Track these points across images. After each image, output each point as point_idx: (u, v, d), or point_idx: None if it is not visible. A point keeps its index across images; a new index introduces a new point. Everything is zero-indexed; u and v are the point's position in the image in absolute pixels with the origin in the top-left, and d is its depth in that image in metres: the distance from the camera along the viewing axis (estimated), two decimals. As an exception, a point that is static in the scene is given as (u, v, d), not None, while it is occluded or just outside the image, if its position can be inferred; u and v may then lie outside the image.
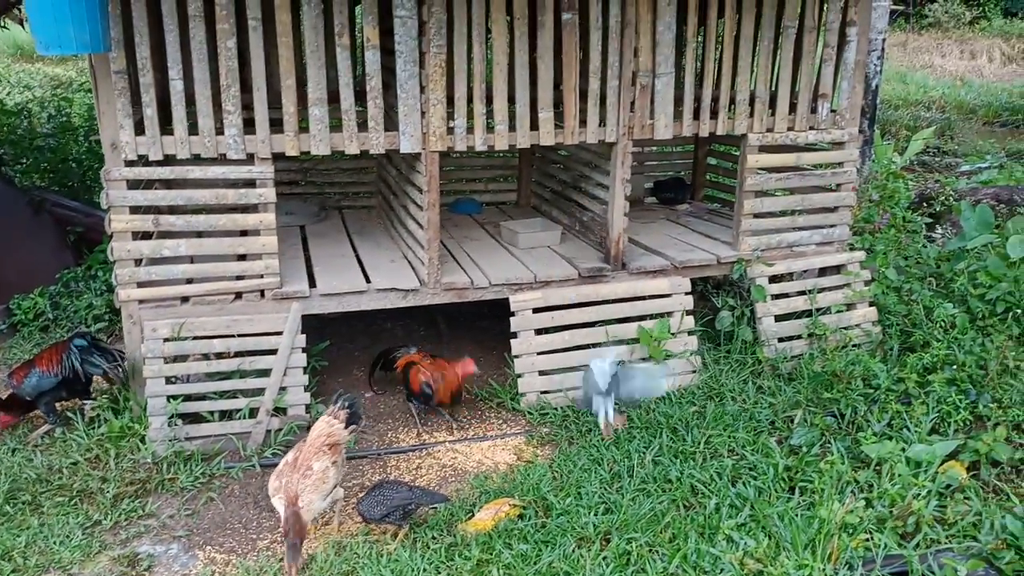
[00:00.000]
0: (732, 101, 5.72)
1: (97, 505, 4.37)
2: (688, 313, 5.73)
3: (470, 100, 5.15)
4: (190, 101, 4.77)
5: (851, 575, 3.63)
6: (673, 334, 5.60)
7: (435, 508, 4.32)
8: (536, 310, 5.52)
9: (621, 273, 5.72)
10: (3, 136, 8.64)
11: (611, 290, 5.64)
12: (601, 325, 5.58)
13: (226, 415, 4.95)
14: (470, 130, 5.19)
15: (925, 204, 8.38)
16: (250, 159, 4.88)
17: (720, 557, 3.81)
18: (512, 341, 5.46)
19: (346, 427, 4.17)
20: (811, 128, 5.96)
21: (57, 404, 5.08)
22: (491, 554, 3.92)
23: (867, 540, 3.87)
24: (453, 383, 5.17)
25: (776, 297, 5.95)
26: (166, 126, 4.77)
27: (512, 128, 5.28)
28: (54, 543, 4.09)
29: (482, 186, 7.61)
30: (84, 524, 4.24)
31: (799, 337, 5.90)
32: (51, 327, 6.44)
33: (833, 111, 6.02)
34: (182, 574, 3.97)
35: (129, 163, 4.73)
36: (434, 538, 4.09)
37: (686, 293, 5.75)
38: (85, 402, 5.14)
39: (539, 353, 5.46)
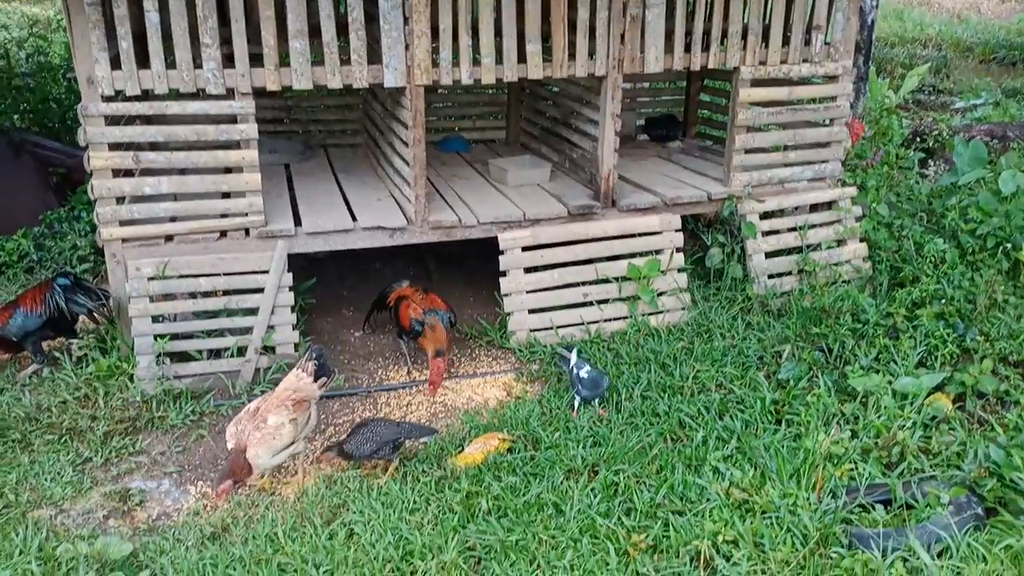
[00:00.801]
0: (724, 33, 5.60)
1: (87, 443, 4.39)
2: (678, 251, 5.70)
3: (456, 32, 5.02)
4: (167, 35, 4.63)
5: (835, 503, 3.67)
6: (663, 271, 5.58)
7: (424, 442, 4.35)
8: (525, 248, 5.48)
9: (611, 211, 5.67)
10: (-20, 76, 8.42)
11: (601, 228, 5.60)
12: (592, 263, 5.55)
13: (214, 354, 4.94)
14: (456, 63, 5.07)
15: (919, 141, 8.30)
16: (230, 94, 4.77)
17: (706, 487, 3.86)
18: (501, 280, 5.43)
19: (315, 380, 4.15)
20: (805, 61, 5.85)
21: (44, 344, 5.05)
22: (480, 486, 3.96)
23: (851, 470, 3.92)
24: (441, 338, 4.99)
25: (767, 234, 5.93)
26: (143, 61, 4.64)
27: (499, 61, 5.16)
28: (45, 480, 4.11)
29: (470, 123, 7.50)
30: (75, 461, 4.26)
31: (789, 274, 5.89)
32: (36, 268, 6.38)
33: (827, 43, 5.91)
34: (175, 508, 4.00)
35: (107, 99, 4.61)
36: (424, 471, 4.12)
37: (676, 231, 5.72)
38: (71, 341, 5.12)
39: (529, 292, 5.44)
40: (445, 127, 7.40)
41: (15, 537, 3.68)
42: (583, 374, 4.58)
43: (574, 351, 4.82)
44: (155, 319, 4.85)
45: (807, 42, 5.84)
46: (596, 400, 4.61)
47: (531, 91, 7.03)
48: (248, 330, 4.94)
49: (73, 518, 3.90)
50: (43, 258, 6.41)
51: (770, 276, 5.84)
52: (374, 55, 5.01)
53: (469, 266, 6.69)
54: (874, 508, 3.65)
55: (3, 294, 6.06)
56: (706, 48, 5.59)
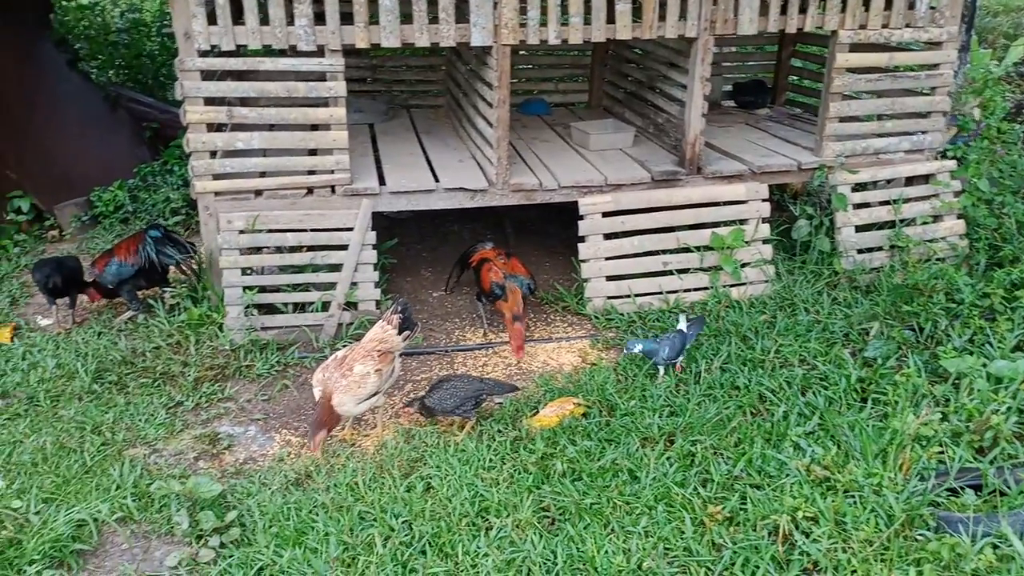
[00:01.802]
0: (824, -6, 5.37)
1: (179, 387, 4.58)
2: (764, 221, 5.55)
3: (545, -9, 4.96)
4: (262, -9, 4.70)
5: (922, 486, 3.56)
6: (747, 242, 5.44)
7: (500, 403, 4.39)
8: (606, 214, 5.42)
9: (696, 177, 5.55)
10: (79, 31, 8.73)
11: (685, 195, 5.49)
12: (673, 231, 5.45)
13: (299, 307, 5.07)
14: (543, 23, 5.01)
15: (1022, 114, 7.86)
16: (320, 51, 4.82)
17: (786, 463, 3.79)
18: (580, 245, 5.39)
19: (399, 333, 4.20)
20: (907, 25, 5.57)
21: (139, 292, 5.26)
22: (555, 448, 3.98)
23: (940, 453, 3.79)
24: (517, 305, 4.96)
25: (858, 207, 5.72)
26: (238, 16, 4.72)
27: (588, 21, 5.07)
28: (139, 420, 4.31)
29: (551, 86, 7.42)
30: (167, 404, 4.45)
31: (880, 249, 5.68)
32: (130, 219, 6.63)
33: (932, 7, 5.60)
34: (260, 453, 4.15)
35: (202, 54, 4.72)
36: (500, 431, 4.16)
37: (763, 200, 5.56)
38: (165, 290, 5.32)
39: (607, 258, 5.39)
40: (526, 89, 7.34)
41: (112, 473, 3.87)
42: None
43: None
44: (244, 271, 4.99)
45: (911, 5, 5.55)
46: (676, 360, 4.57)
47: (615, 53, 6.90)
48: (332, 286, 5.04)
49: (165, 458, 4.09)
50: (137, 209, 6.66)
51: (859, 251, 5.65)
52: (461, 14, 4.99)
53: (545, 231, 6.68)
54: (964, 492, 3.53)
55: (100, 243, 6.34)
56: (803, 10, 5.37)
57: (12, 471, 3.87)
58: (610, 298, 5.36)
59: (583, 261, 5.39)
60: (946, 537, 3.27)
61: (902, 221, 5.72)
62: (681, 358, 4.59)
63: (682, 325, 4.66)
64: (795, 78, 7.32)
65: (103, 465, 3.96)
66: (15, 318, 5.36)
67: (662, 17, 5.15)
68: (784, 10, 5.35)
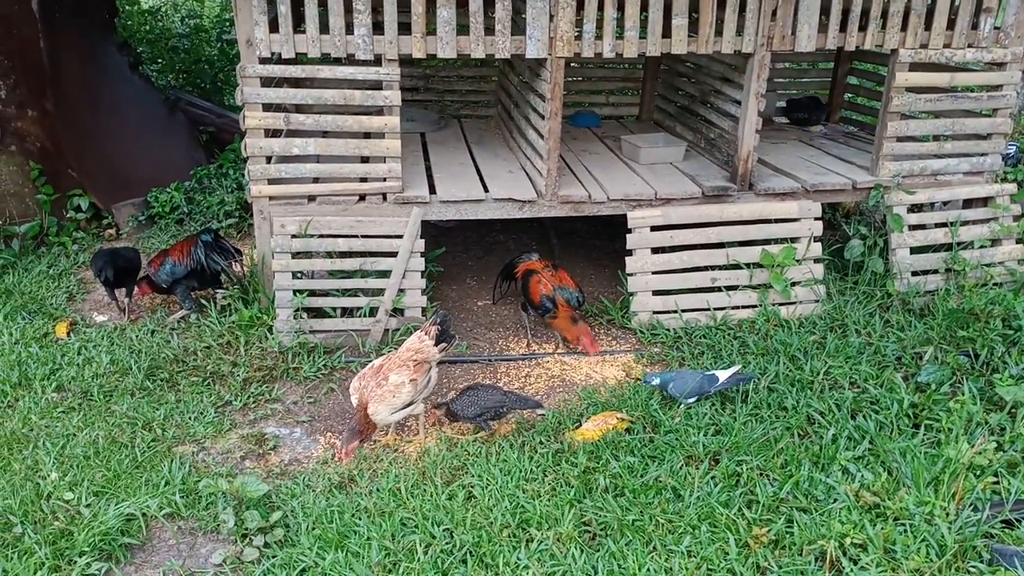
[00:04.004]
0: (884, 12, 5.28)
1: (228, 387, 4.65)
2: (816, 240, 5.47)
3: (600, 5, 4.95)
4: (321, 0, 4.78)
5: (976, 516, 3.46)
6: (798, 261, 5.37)
7: (541, 414, 4.38)
8: (654, 228, 5.39)
9: (747, 194, 5.50)
10: (141, 35, 8.98)
11: (735, 211, 5.44)
12: (722, 247, 5.40)
13: (347, 312, 5.12)
14: (599, 36, 5.01)
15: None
16: (377, 61, 4.89)
17: (835, 487, 3.71)
18: (627, 259, 5.37)
19: (436, 344, 4.21)
20: (970, 45, 5.45)
21: (192, 292, 5.37)
22: (598, 463, 3.95)
23: (995, 483, 3.69)
24: (569, 316, 5.08)
25: (913, 228, 5.60)
26: (299, 25, 4.81)
27: (643, 35, 5.06)
28: (189, 418, 4.39)
29: (602, 99, 7.41)
30: (216, 403, 4.52)
31: (935, 272, 5.56)
32: (185, 220, 6.78)
33: (996, 28, 5.48)
34: (305, 456, 4.20)
35: (263, 60, 4.81)
36: (542, 443, 4.15)
37: (816, 218, 5.48)
38: (217, 291, 5.43)
39: (654, 272, 5.36)
40: (576, 102, 7.35)
41: (162, 469, 3.95)
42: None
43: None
44: (295, 275, 5.07)
45: (974, 25, 5.44)
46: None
47: (668, 67, 6.88)
48: (380, 292, 5.09)
49: (213, 456, 4.15)
50: (192, 211, 6.80)
51: (914, 273, 5.53)
52: (516, 27, 5.01)
53: (590, 243, 6.66)
54: (1020, 525, 3.42)
55: (156, 242, 6.49)
56: (863, 27, 5.29)
57: (65, 463, 3.97)
58: (656, 313, 5.32)
59: (630, 274, 5.36)
60: (1000, 571, 3.18)
61: (959, 244, 5.59)
62: (693, 399, 4.40)
63: (724, 372, 4.45)
64: (850, 95, 7.21)
65: (153, 461, 4.04)
66: (72, 314, 5.50)
67: (719, 32, 5.12)
68: (843, 27, 5.28)
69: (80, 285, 5.91)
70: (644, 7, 5.01)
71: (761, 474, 3.88)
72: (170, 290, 5.35)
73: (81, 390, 4.59)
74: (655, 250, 5.39)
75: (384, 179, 5.12)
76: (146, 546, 3.58)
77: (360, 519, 3.60)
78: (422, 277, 5.19)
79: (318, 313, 5.11)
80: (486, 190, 5.35)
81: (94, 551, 3.43)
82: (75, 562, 3.36)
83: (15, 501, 3.66)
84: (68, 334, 5.17)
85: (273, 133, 5.12)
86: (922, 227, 5.65)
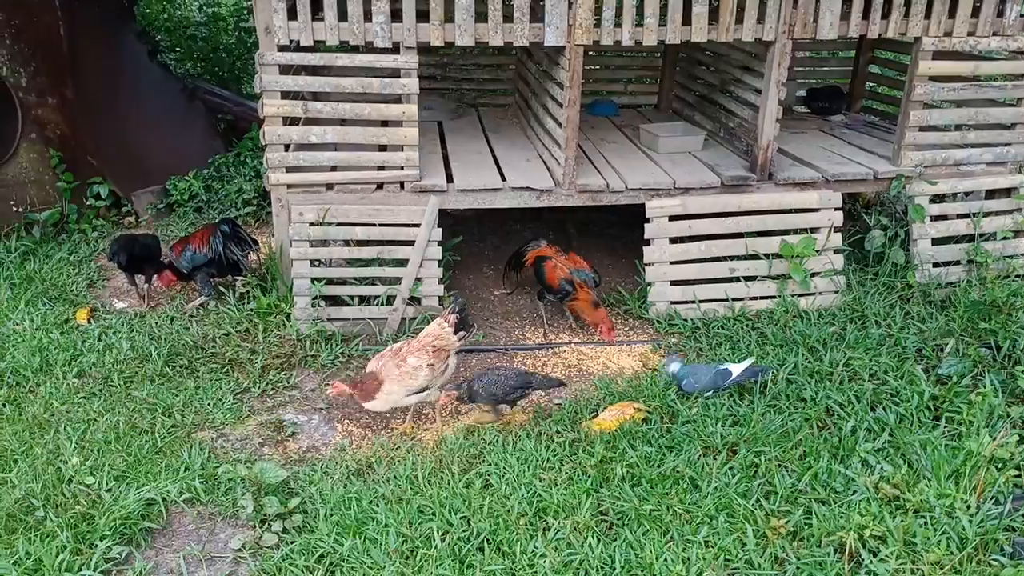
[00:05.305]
0: None
1: (247, 374, 4.68)
2: (836, 230, 5.42)
3: (620, -8, 4.92)
4: (340, -13, 4.77)
5: (997, 509, 3.44)
6: (818, 251, 5.32)
7: (559, 404, 4.37)
8: (673, 218, 5.36)
9: (767, 183, 5.45)
10: (159, 24, 9.00)
11: (755, 201, 5.39)
12: (741, 237, 5.36)
13: (365, 300, 5.13)
14: (618, 24, 4.97)
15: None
16: (395, 48, 4.87)
17: (854, 479, 3.70)
18: (645, 248, 5.34)
19: (455, 332, 4.22)
20: (995, 34, 5.37)
21: (212, 279, 5.40)
22: (615, 453, 3.95)
23: (1017, 476, 3.65)
24: (589, 297, 5.10)
25: (935, 219, 5.54)
26: (317, 12, 4.80)
27: (663, 23, 5.02)
28: (208, 404, 4.42)
29: (621, 87, 7.36)
30: (235, 390, 4.55)
31: (957, 263, 5.50)
32: (204, 208, 6.81)
33: (1022, 15, 5.39)
34: (323, 443, 4.22)
35: (282, 48, 4.81)
36: (559, 432, 4.15)
37: (836, 209, 5.43)
38: (236, 278, 5.45)
39: (672, 263, 5.33)
40: (594, 90, 7.30)
41: (181, 454, 3.98)
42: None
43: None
44: (313, 263, 5.08)
45: (1000, 12, 5.35)
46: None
47: (687, 56, 6.82)
48: (397, 280, 5.10)
49: (232, 442, 4.18)
50: (211, 199, 6.83)
51: (935, 264, 5.47)
52: (535, 13, 4.98)
53: (608, 233, 6.64)
54: (1043, 520, 3.39)
55: (175, 230, 6.52)
56: (886, 15, 5.22)
57: (86, 448, 4.00)
58: (674, 303, 5.30)
59: (647, 264, 5.34)
60: (1022, 564, 3.15)
61: (981, 235, 5.52)
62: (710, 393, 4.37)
63: (738, 365, 4.41)
64: (872, 84, 7.13)
65: (172, 446, 4.07)
66: (92, 300, 5.55)
67: (739, 19, 5.06)
68: (866, 15, 5.21)
69: (100, 272, 5.95)
70: (664, -6, 4.97)
71: (779, 465, 3.86)
72: (190, 276, 5.38)
73: (102, 376, 4.63)
74: (673, 240, 5.36)
75: (402, 167, 5.11)
76: (166, 530, 3.61)
77: (378, 506, 3.61)
78: (439, 266, 5.19)
79: (336, 301, 5.12)
80: (503, 179, 5.33)
81: (115, 535, 3.47)
82: (96, 546, 3.40)
83: (37, 485, 3.70)
84: (88, 320, 5.21)
85: (291, 121, 5.12)
86: (944, 218, 5.58)
